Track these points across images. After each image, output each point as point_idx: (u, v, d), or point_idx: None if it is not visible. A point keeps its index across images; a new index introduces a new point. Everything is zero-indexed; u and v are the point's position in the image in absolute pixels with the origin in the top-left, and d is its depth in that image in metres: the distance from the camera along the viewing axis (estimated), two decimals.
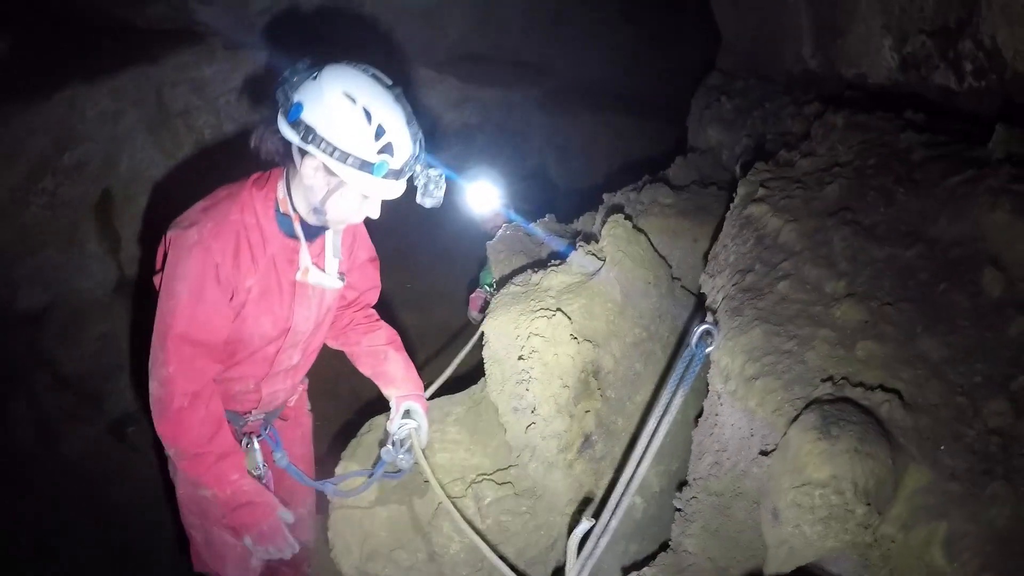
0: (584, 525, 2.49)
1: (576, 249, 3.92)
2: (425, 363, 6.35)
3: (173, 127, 6.78)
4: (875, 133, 3.51)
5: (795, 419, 2.13)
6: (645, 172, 5.20)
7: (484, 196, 5.98)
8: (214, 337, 2.58)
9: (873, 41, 4.59)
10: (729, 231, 3.26)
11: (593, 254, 3.82)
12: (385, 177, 2.38)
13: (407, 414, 3.13)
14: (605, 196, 4.83)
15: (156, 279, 2.62)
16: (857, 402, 2.14)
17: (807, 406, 2.16)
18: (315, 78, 2.31)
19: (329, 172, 2.38)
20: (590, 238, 4.08)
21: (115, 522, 5.93)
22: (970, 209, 2.67)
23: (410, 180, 2.52)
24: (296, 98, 2.30)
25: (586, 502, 3.30)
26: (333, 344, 3.30)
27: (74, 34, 6.47)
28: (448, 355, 6.07)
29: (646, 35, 9.76)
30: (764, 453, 2.30)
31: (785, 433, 2.14)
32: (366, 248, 3.19)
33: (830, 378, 2.26)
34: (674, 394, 2.39)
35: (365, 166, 2.34)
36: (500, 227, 5.26)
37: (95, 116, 6.11)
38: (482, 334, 3.55)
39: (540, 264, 4.13)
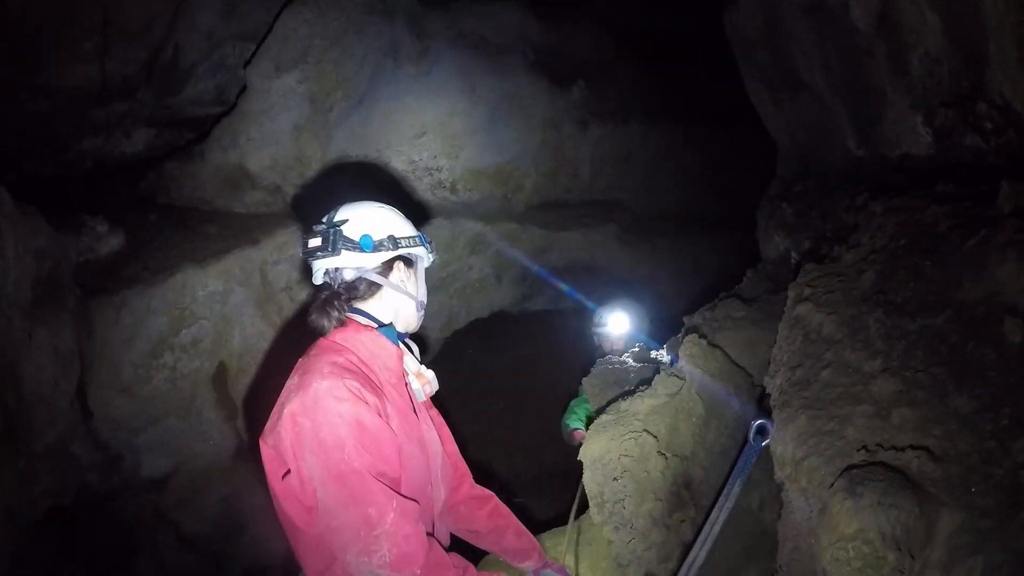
0: None
1: (660, 373, 4.19)
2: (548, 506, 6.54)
3: (278, 301, 7.36)
4: (907, 213, 3.73)
5: (831, 486, 2.33)
6: (723, 288, 5.45)
7: (619, 322, 6.32)
8: (397, 468, 2.38)
9: (907, 121, 4.84)
10: (783, 333, 3.49)
11: (675, 375, 4.08)
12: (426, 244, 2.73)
13: None
14: (685, 319, 5.07)
15: (290, 481, 2.33)
16: (887, 463, 2.33)
17: (841, 474, 2.35)
18: (346, 220, 2.57)
19: (408, 265, 2.67)
20: (672, 361, 4.34)
21: None
22: (986, 267, 2.87)
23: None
24: (355, 235, 2.54)
25: None
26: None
27: (181, 223, 7.23)
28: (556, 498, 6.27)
29: (710, 155, 10.14)
30: None
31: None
32: None
33: (864, 447, 2.45)
34: (733, 485, 2.61)
35: (422, 240, 2.70)
36: (619, 352, 5.78)
37: (206, 296, 6.74)
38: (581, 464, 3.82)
39: (630, 393, 4.38)
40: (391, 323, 2.63)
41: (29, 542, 5.52)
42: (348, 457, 2.22)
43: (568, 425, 6.05)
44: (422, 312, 2.75)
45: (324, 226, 2.58)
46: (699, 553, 2.75)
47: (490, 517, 3.09)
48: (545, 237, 9.46)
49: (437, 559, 2.38)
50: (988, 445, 2.32)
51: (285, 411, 2.31)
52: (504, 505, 3.16)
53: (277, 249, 7.34)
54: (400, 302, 2.65)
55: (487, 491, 3.13)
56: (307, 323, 2.58)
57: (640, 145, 9.96)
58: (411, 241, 2.65)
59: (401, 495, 2.31)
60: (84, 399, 6.11)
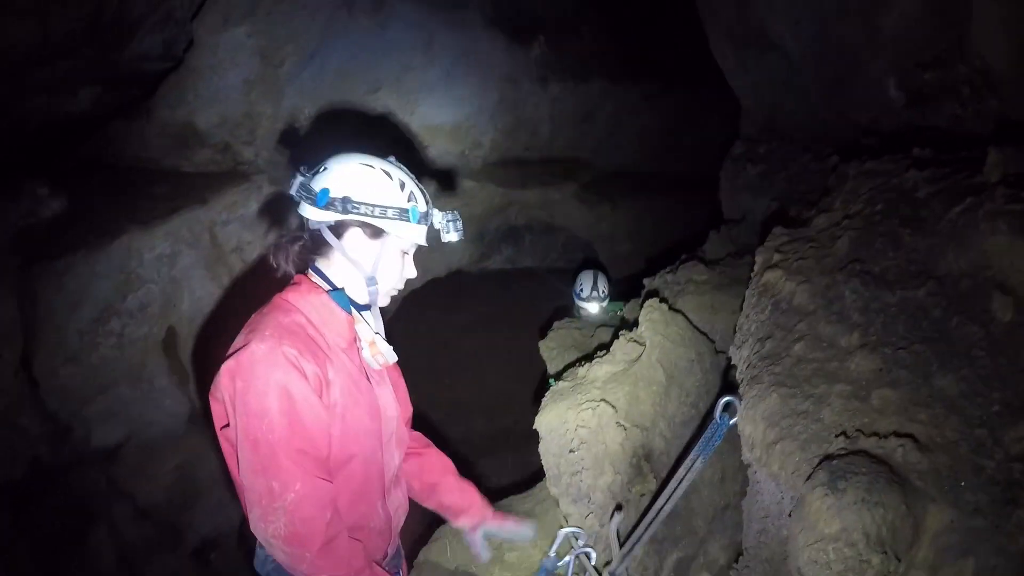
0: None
1: (619, 338, 4.00)
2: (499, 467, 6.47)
3: (228, 263, 7.15)
4: (883, 178, 3.52)
5: (809, 478, 2.14)
6: (684, 250, 5.26)
7: (590, 283, 6.20)
8: (322, 445, 2.36)
9: (879, 83, 4.63)
10: (750, 301, 3.30)
11: (634, 340, 3.89)
12: (419, 223, 2.50)
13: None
14: (645, 281, 4.89)
15: (228, 432, 2.39)
16: (870, 452, 2.14)
17: (820, 463, 2.17)
18: (326, 168, 2.47)
19: (373, 235, 2.48)
20: (632, 325, 4.15)
21: None
22: (973, 238, 2.68)
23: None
24: (318, 187, 2.41)
25: None
26: None
27: (127, 184, 7.00)
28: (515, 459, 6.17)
29: (672, 114, 9.98)
30: (790, 515, 2.30)
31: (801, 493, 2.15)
32: None
33: (843, 432, 2.26)
34: (694, 462, 2.46)
35: (403, 214, 2.46)
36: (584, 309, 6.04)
37: (153, 259, 6.54)
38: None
39: (588, 358, 4.19)
40: (343, 288, 2.54)
41: None
42: (266, 427, 2.23)
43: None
44: (374, 288, 2.55)
45: (306, 167, 2.51)
46: (644, 532, 2.65)
47: (439, 458, 3.08)
48: (503, 195, 9.32)
49: (342, 549, 2.36)
50: (978, 433, 2.14)
51: (223, 366, 2.33)
52: (439, 455, 3.11)
53: (227, 208, 7.12)
54: (349, 270, 2.53)
55: (426, 443, 3.10)
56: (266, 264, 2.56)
57: (600, 103, 9.77)
58: (378, 210, 2.44)
59: (317, 476, 2.30)
60: (29, 369, 5.94)
